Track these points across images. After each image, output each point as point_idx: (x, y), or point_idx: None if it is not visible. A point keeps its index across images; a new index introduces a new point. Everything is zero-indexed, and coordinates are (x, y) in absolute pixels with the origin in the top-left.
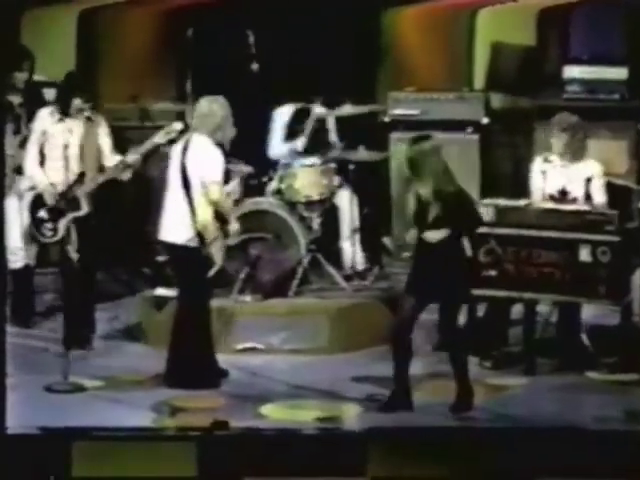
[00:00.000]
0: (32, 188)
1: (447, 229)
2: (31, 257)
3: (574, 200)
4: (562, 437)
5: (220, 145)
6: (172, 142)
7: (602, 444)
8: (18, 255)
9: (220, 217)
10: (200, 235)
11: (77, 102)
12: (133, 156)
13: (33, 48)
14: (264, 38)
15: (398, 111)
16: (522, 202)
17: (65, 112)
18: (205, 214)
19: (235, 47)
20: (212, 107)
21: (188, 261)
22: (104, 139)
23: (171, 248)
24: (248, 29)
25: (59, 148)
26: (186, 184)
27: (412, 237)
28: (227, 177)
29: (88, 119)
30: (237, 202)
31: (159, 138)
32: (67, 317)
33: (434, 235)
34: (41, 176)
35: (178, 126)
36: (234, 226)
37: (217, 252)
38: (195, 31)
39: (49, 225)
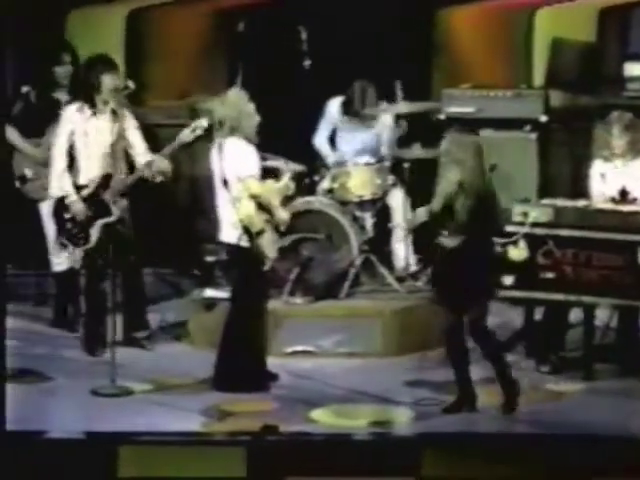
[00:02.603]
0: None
1: (464, 235)
2: (75, 260)
3: (635, 200)
4: (621, 445)
5: (248, 139)
6: (200, 139)
7: None
8: (62, 258)
9: (267, 210)
10: (248, 232)
11: (108, 81)
12: (162, 160)
13: (80, 48)
14: (316, 36)
15: (453, 109)
16: (581, 203)
17: (93, 104)
18: (246, 208)
19: (287, 44)
20: (221, 112)
21: (241, 261)
22: (134, 134)
23: (227, 248)
24: (300, 26)
25: (93, 147)
26: (226, 184)
27: (421, 215)
28: (272, 174)
29: (113, 112)
30: (290, 200)
31: (185, 136)
32: (88, 321)
33: (450, 242)
34: (67, 182)
35: (204, 122)
36: (282, 214)
37: (268, 245)
38: (246, 28)
39: (80, 234)
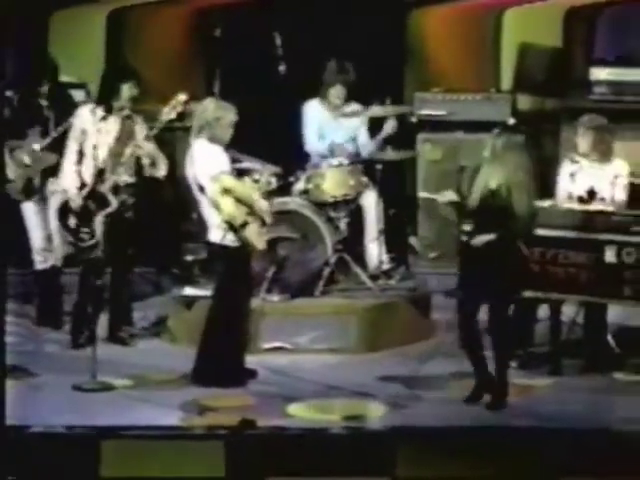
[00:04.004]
0: (60, 189)
1: (494, 233)
2: (58, 258)
3: (602, 200)
4: (588, 438)
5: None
6: (182, 116)
7: (628, 445)
8: (44, 256)
9: (247, 204)
10: (232, 227)
11: (125, 88)
12: (148, 144)
13: (61, 49)
14: (291, 38)
15: (425, 111)
16: (547, 203)
17: (109, 108)
18: (226, 206)
19: (262, 48)
20: (206, 105)
21: (227, 258)
22: (145, 142)
23: (214, 247)
24: (275, 30)
25: (99, 148)
26: (201, 188)
27: (447, 196)
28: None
29: (128, 118)
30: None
31: (167, 114)
32: (79, 316)
33: (480, 239)
34: (71, 177)
35: (182, 97)
36: (262, 205)
37: (255, 236)
38: (223, 32)
39: (84, 229)
